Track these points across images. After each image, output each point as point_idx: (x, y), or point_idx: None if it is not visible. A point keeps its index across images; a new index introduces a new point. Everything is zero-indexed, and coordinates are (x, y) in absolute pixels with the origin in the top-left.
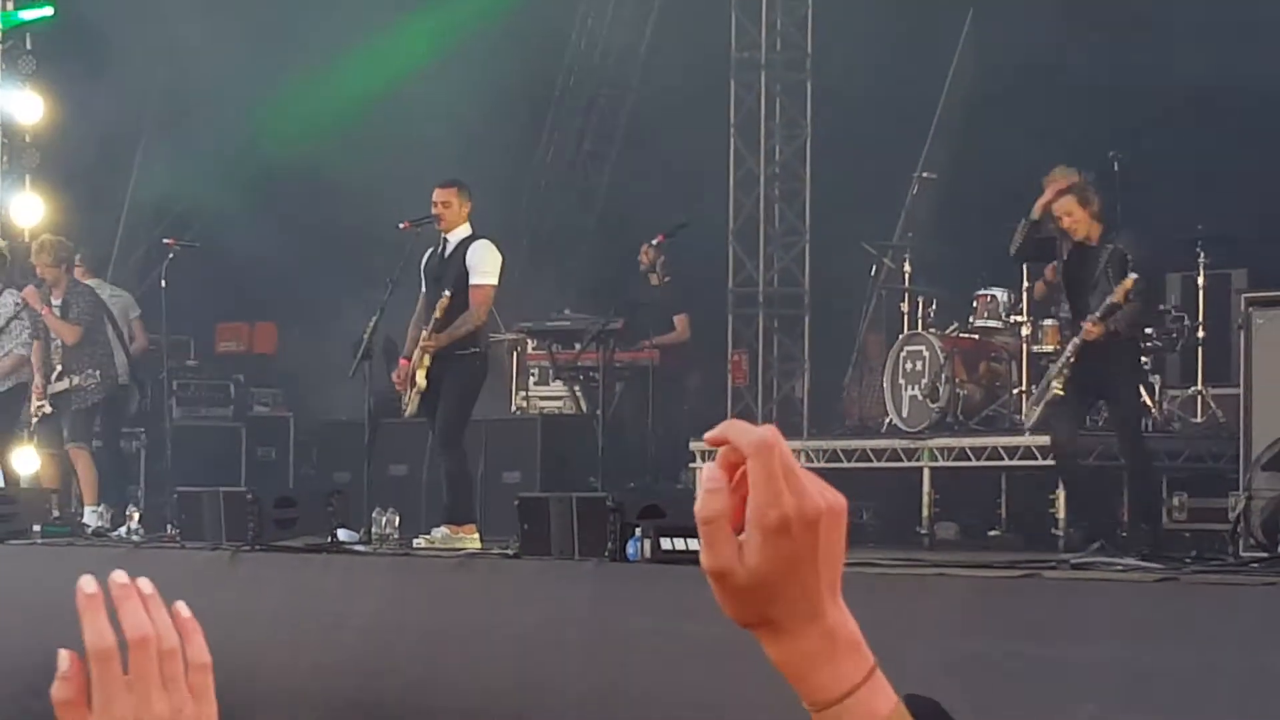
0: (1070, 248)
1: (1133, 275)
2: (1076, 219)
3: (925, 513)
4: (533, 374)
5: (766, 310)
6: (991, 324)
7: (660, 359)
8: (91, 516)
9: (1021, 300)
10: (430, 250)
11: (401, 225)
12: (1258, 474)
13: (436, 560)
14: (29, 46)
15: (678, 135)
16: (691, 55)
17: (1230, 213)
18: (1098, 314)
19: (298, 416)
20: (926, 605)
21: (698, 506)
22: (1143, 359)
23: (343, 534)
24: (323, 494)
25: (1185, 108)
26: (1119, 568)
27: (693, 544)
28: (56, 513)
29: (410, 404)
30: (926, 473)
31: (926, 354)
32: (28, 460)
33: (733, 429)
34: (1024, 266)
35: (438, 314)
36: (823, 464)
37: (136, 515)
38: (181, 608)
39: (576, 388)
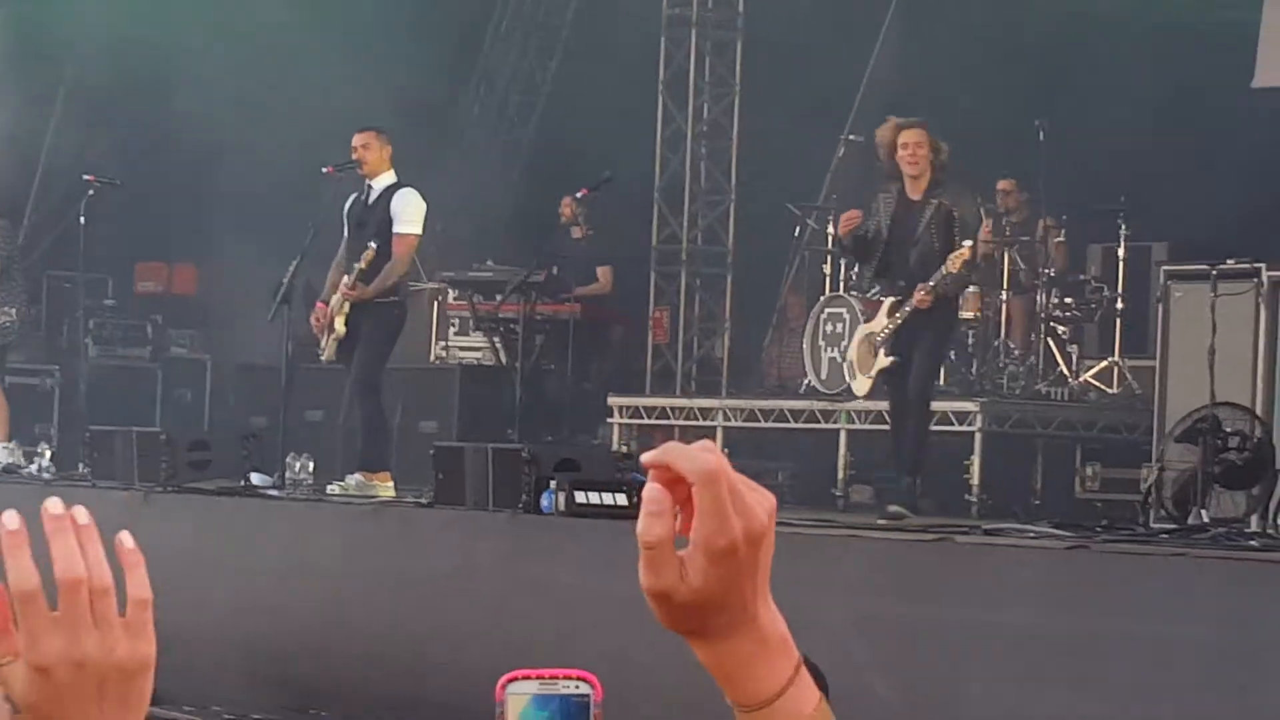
0: (893, 203)
1: (967, 244)
2: (919, 158)
3: (841, 475)
4: (453, 324)
5: (689, 268)
6: None
7: (581, 313)
8: (2, 453)
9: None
10: (354, 195)
11: (325, 169)
12: (1171, 446)
13: (349, 506)
14: None
15: (606, 90)
16: (623, 9)
17: (1152, 185)
18: (931, 283)
19: (215, 359)
20: (840, 566)
21: (640, 529)
22: (958, 315)
23: (256, 478)
24: (238, 437)
25: (1110, 78)
26: (1030, 534)
27: (607, 498)
28: None
29: (327, 350)
30: (843, 435)
31: (847, 316)
32: None
33: (674, 456)
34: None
35: (362, 265)
36: (740, 423)
37: (48, 453)
38: (125, 538)
39: (496, 339)
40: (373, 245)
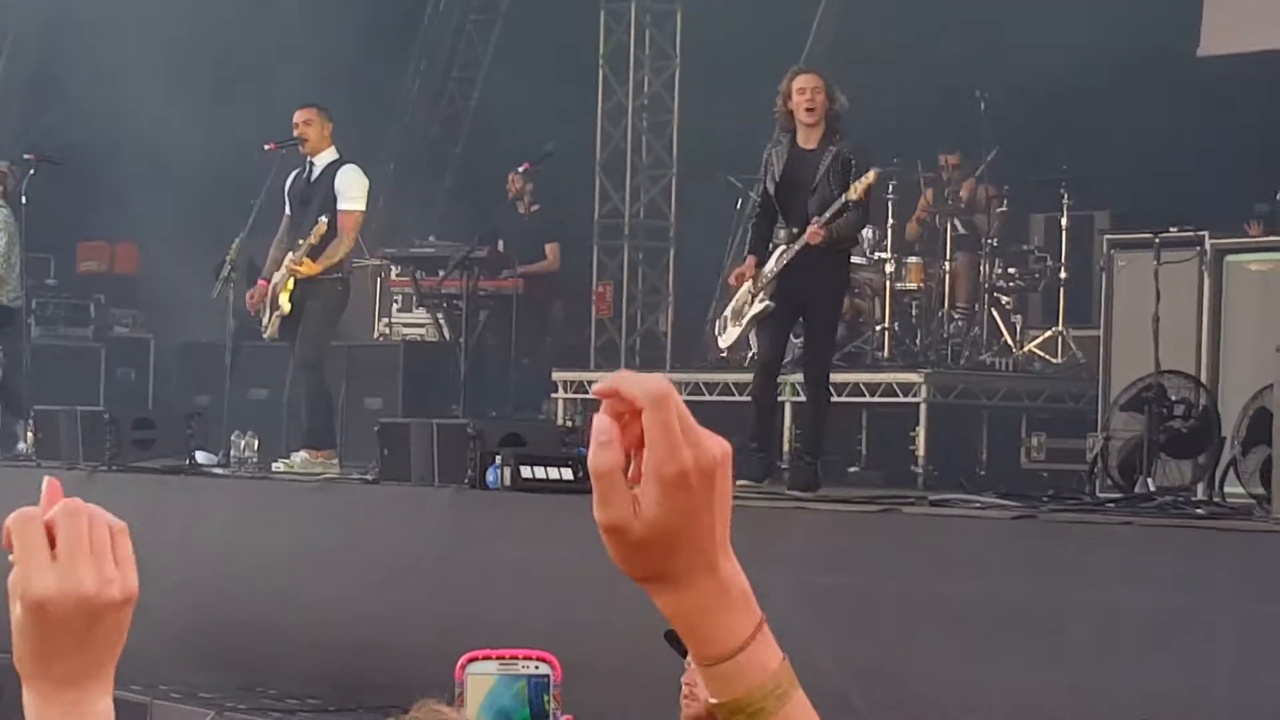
0: (785, 154)
1: (875, 169)
2: (817, 104)
3: (786, 447)
4: (396, 300)
5: (631, 242)
6: (856, 260)
7: (525, 288)
8: None
9: (886, 237)
10: (295, 172)
11: (267, 146)
12: (1116, 415)
13: (294, 484)
14: None
15: (546, 64)
16: None
17: (1094, 154)
18: (826, 215)
19: (158, 338)
20: (785, 538)
21: (590, 460)
22: (850, 274)
23: (201, 456)
24: (182, 416)
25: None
26: (977, 505)
27: (553, 472)
28: None
29: (270, 327)
30: (788, 408)
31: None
32: None
33: (624, 381)
34: (889, 205)
35: (313, 240)
36: (685, 396)
37: None
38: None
39: (440, 315)
40: (323, 220)
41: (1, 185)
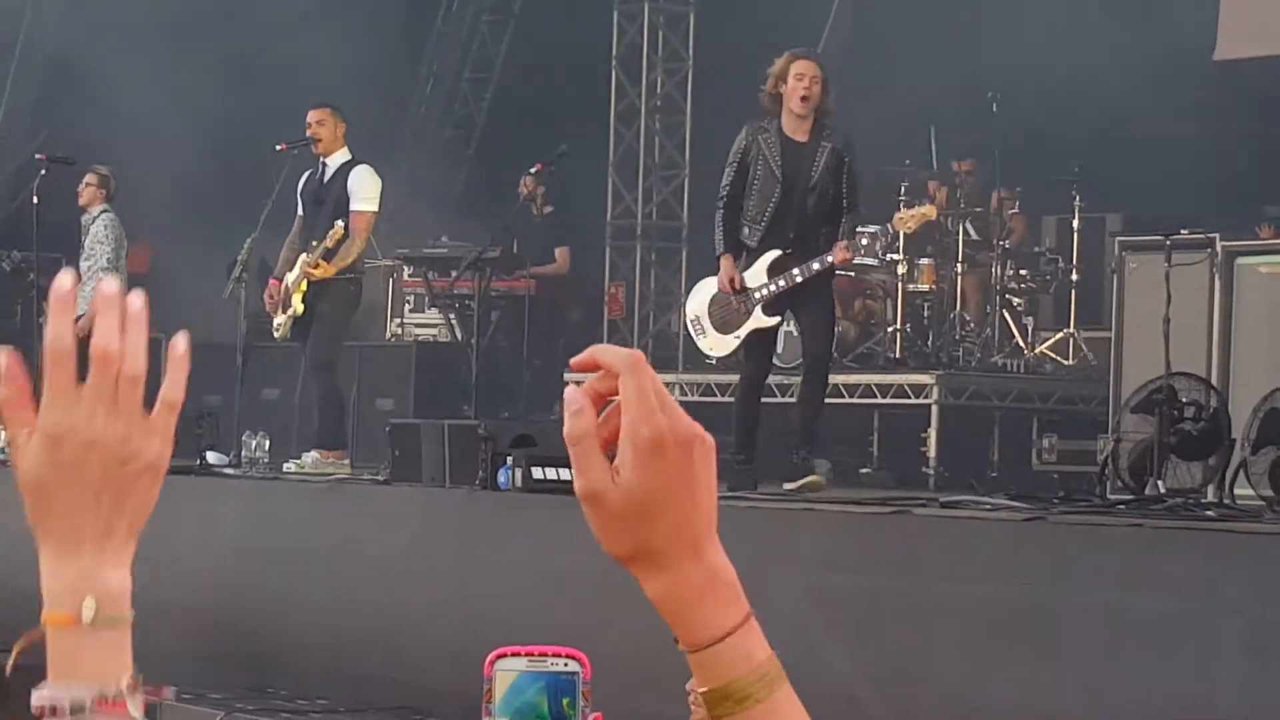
0: (776, 144)
1: (931, 205)
2: (813, 94)
3: None
4: (408, 301)
5: (644, 243)
6: (867, 261)
7: (537, 288)
8: None
9: (898, 238)
10: (308, 173)
11: (279, 147)
12: (1127, 416)
13: (306, 484)
14: None
15: (559, 65)
16: None
17: (1106, 156)
18: (861, 241)
19: (169, 337)
20: (796, 540)
21: (565, 429)
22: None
23: (212, 456)
24: (193, 416)
25: (1064, 48)
26: (987, 506)
27: (564, 474)
28: None
29: (282, 328)
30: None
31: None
32: None
33: (600, 351)
34: (900, 207)
35: (329, 243)
36: (697, 397)
37: (3, 434)
38: (179, 341)
39: (452, 315)
40: (340, 224)
41: (104, 189)
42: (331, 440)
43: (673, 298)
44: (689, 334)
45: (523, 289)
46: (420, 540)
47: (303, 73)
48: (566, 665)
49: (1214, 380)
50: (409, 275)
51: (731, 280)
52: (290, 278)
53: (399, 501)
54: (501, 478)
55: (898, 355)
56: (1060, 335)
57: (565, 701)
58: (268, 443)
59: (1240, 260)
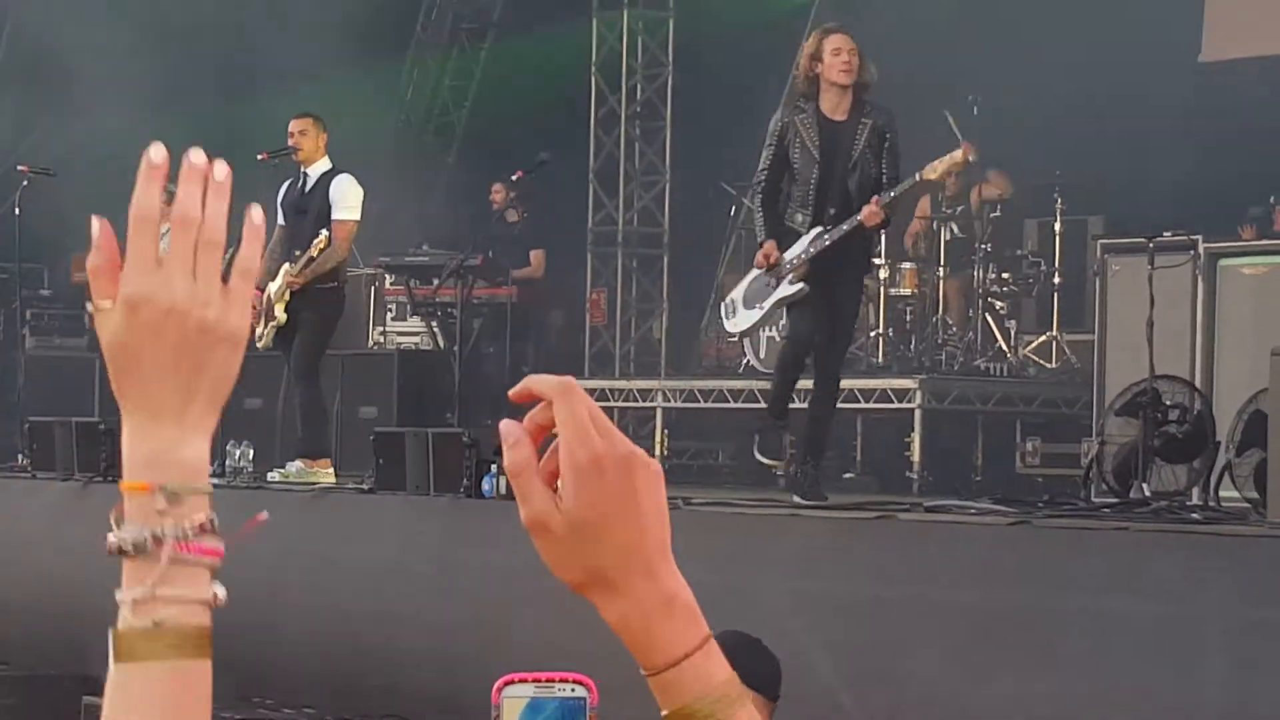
0: (814, 125)
1: (966, 144)
2: (852, 67)
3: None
4: (390, 309)
5: (625, 249)
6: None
7: (519, 295)
8: None
9: (880, 243)
10: (288, 182)
11: (260, 156)
12: (1111, 419)
13: (290, 494)
14: None
15: (539, 72)
16: None
17: (1087, 159)
18: (893, 193)
19: None
20: (780, 545)
21: (505, 462)
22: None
23: None
24: None
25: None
26: (972, 511)
27: None
28: None
29: (265, 337)
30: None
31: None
32: None
33: (533, 381)
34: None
35: (313, 253)
36: (680, 404)
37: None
38: (255, 212)
39: (434, 323)
40: (325, 233)
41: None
42: (315, 449)
43: (654, 304)
44: (720, 316)
45: (504, 296)
46: (405, 548)
47: (283, 81)
48: (574, 690)
49: (1198, 382)
50: (390, 283)
51: (767, 255)
52: (273, 287)
53: (383, 510)
54: (486, 485)
55: (881, 360)
56: (1043, 339)
57: None
58: (251, 452)
59: (1223, 262)
